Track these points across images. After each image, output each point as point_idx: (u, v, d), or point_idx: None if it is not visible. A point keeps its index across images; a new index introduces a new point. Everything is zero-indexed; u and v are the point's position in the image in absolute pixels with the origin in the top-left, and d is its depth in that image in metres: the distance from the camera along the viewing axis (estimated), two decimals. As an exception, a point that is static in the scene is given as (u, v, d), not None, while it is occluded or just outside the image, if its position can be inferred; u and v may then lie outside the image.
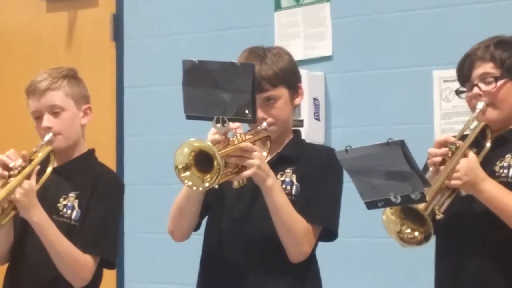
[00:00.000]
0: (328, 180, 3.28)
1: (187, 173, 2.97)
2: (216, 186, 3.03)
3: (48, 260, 3.27)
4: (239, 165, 3.06)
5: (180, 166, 2.96)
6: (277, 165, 3.21)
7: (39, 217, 3.20)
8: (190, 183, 2.98)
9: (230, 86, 3.05)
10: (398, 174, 2.82)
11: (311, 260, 3.25)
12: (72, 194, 3.33)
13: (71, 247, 3.26)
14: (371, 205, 2.89)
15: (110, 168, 3.65)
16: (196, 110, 3.10)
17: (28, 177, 3.22)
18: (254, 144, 3.11)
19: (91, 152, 3.49)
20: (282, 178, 3.21)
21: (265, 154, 3.16)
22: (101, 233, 3.35)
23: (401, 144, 2.75)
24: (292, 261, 3.16)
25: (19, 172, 3.18)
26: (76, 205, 3.32)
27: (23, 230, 3.33)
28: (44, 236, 3.25)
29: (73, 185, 3.37)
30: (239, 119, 3.05)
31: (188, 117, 3.10)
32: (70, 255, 3.26)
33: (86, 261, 3.29)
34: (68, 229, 3.28)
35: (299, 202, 3.18)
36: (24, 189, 3.16)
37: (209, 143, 2.96)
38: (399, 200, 2.81)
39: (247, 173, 3.05)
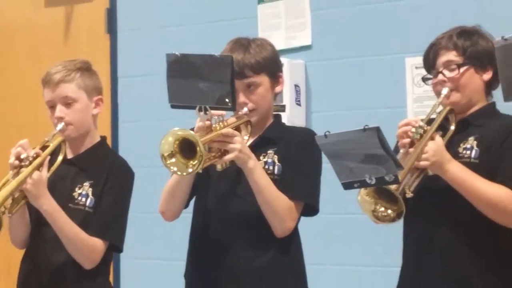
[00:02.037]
0: (308, 159, 3.29)
1: (173, 160, 3.00)
2: (200, 171, 3.03)
3: (60, 245, 3.27)
4: (221, 149, 3.09)
5: (165, 154, 2.99)
6: (259, 147, 3.25)
7: (48, 206, 3.20)
8: (175, 169, 3.01)
9: (211, 77, 3.06)
10: (373, 158, 2.86)
11: (294, 235, 3.27)
12: (86, 183, 3.34)
13: (81, 232, 3.25)
14: (347, 186, 2.93)
15: (121, 157, 3.64)
16: (180, 100, 3.12)
17: (39, 167, 3.22)
18: (236, 128, 3.15)
19: (103, 141, 3.52)
20: (265, 159, 3.24)
21: (246, 137, 3.19)
22: (111, 219, 3.36)
23: (377, 130, 2.80)
24: (277, 236, 3.19)
25: (30, 163, 3.18)
26: (90, 193, 3.33)
27: (39, 218, 3.32)
28: (54, 223, 3.24)
29: (88, 175, 3.37)
30: (220, 108, 3.07)
31: (173, 106, 3.13)
32: (80, 239, 3.26)
33: (95, 245, 3.29)
34: (83, 216, 3.30)
35: (282, 181, 3.21)
36: (34, 179, 3.15)
37: (192, 132, 3.00)
38: (373, 182, 2.88)
39: (229, 156, 3.07)
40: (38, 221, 3.34)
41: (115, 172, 3.44)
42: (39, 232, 3.36)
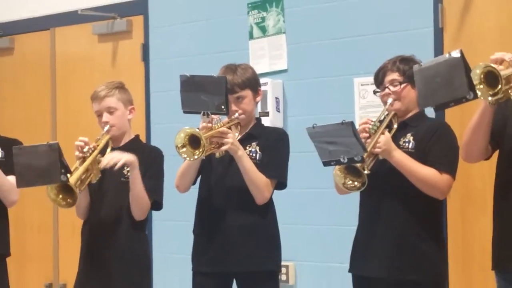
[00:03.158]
0: (280, 149, 3.35)
1: (184, 149, 3.08)
2: (204, 157, 3.15)
3: (109, 213, 3.35)
4: (219, 142, 3.16)
5: (179, 145, 3.07)
6: (246, 140, 3.31)
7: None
8: (185, 156, 3.10)
9: (210, 91, 3.13)
10: (346, 143, 2.88)
11: (270, 204, 3.34)
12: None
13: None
14: (326, 164, 2.96)
15: (150, 145, 3.77)
16: (189, 107, 3.20)
17: (97, 155, 3.24)
18: (230, 128, 3.22)
19: (137, 137, 3.56)
20: (250, 149, 3.29)
21: (236, 134, 3.25)
22: (154, 184, 3.39)
23: (351, 123, 2.87)
24: (257, 204, 3.26)
25: (90, 154, 3.22)
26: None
27: (96, 194, 3.38)
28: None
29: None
30: (218, 113, 3.15)
31: (185, 112, 3.22)
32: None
33: (147, 202, 3.33)
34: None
35: (261, 165, 3.26)
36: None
37: (197, 129, 3.08)
38: (346, 161, 2.90)
39: (224, 148, 3.15)
40: (96, 197, 3.39)
41: (151, 153, 3.50)
42: (94, 205, 3.40)
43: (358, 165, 2.93)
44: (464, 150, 2.94)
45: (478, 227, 3.85)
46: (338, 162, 2.94)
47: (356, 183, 3.01)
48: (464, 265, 3.84)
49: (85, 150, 3.22)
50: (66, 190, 3.13)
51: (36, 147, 3.10)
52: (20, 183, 3.13)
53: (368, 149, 2.98)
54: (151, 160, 3.43)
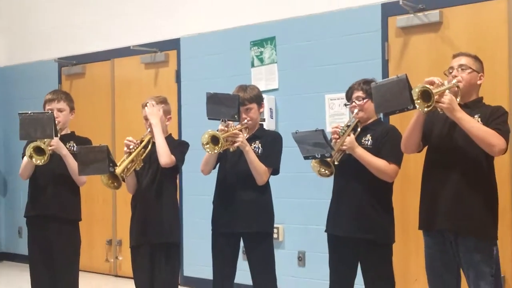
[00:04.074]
0: (275, 146, 3.29)
1: (207, 146, 3.06)
2: (221, 151, 3.13)
3: (149, 189, 3.21)
4: (232, 141, 3.13)
5: (204, 142, 3.05)
6: (251, 139, 3.25)
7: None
8: (208, 150, 3.07)
9: (227, 104, 3.11)
10: (319, 144, 2.90)
11: (267, 184, 3.29)
12: None
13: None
14: (306, 158, 2.98)
15: (179, 139, 3.63)
16: (212, 116, 3.16)
17: (141, 149, 3.15)
18: (241, 130, 3.16)
19: (170, 135, 3.38)
20: (254, 146, 3.23)
21: (245, 135, 3.19)
22: (181, 156, 3.25)
23: (322, 131, 2.88)
24: (258, 184, 3.21)
25: (135, 149, 3.14)
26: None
27: (140, 177, 3.25)
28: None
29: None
30: (232, 120, 3.12)
31: (209, 118, 3.17)
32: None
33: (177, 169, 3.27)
34: None
35: (262, 157, 3.20)
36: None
37: (217, 131, 3.06)
38: (319, 156, 2.93)
39: (236, 144, 3.12)
40: (141, 179, 3.27)
41: (180, 143, 3.38)
42: (140, 184, 3.29)
43: (328, 159, 2.94)
44: (403, 145, 2.88)
45: (412, 200, 3.76)
46: (314, 157, 2.94)
47: (327, 171, 2.99)
48: (403, 227, 3.79)
49: (131, 147, 3.13)
50: (114, 177, 3.08)
51: (93, 148, 3.12)
52: (81, 172, 3.09)
53: (336, 148, 2.96)
54: (181, 146, 3.33)
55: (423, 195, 2.87)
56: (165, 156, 3.14)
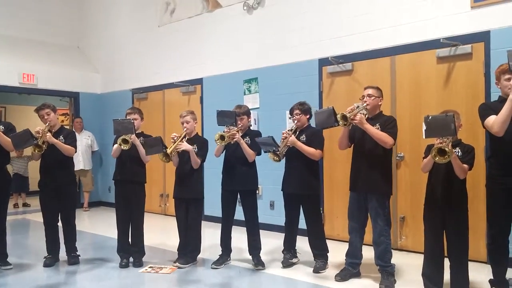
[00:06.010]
0: (258, 139, 3.05)
1: (218, 141, 2.94)
2: (226, 144, 3.00)
3: (186, 164, 3.06)
4: (232, 137, 2.99)
5: (216, 139, 2.94)
6: (244, 136, 3.09)
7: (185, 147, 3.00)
8: (218, 143, 2.96)
9: (229, 116, 2.98)
10: (271, 144, 2.85)
11: (254, 161, 3.12)
12: (195, 145, 3.11)
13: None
14: (265, 152, 2.93)
15: (204, 137, 3.38)
16: (220, 123, 3.02)
17: (180, 141, 3.03)
18: (237, 131, 3.00)
19: (197, 133, 3.22)
20: (245, 139, 3.07)
21: (240, 134, 3.05)
22: (202, 153, 3.12)
23: (272, 137, 2.84)
24: (249, 161, 3.05)
25: (175, 141, 3.03)
26: (197, 147, 3.11)
27: (180, 158, 3.11)
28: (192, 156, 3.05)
29: (194, 142, 3.14)
30: (232, 126, 2.98)
31: (219, 124, 3.02)
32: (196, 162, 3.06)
33: (198, 161, 3.04)
34: (196, 153, 3.08)
35: (251, 146, 3.05)
36: (180, 146, 3.03)
37: (223, 132, 2.95)
38: (271, 151, 2.88)
39: (234, 139, 2.99)
40: (181, 159, 3.13)
41: (204, 141, 3.20)
42: (181, 161, 3.15)
43: (277, 152, 2.88)
44: (339, 144, 2.77)
45: (338, 172, 3.82)
46: (270, 151, 2.89)
47: (276, 158, 2.91)
48: (330, 189, 3.81)
49: (174, 139, 3.03)
50: (166, 155, 2.96)
51: (153, 138, 3.04)
52: (147, 153, 3.04)
53: (283, 145, 2.87)
54: (203, 144, 3.19)
55: (352, 170, 2.77)
56: (196, 165, 3.09)
